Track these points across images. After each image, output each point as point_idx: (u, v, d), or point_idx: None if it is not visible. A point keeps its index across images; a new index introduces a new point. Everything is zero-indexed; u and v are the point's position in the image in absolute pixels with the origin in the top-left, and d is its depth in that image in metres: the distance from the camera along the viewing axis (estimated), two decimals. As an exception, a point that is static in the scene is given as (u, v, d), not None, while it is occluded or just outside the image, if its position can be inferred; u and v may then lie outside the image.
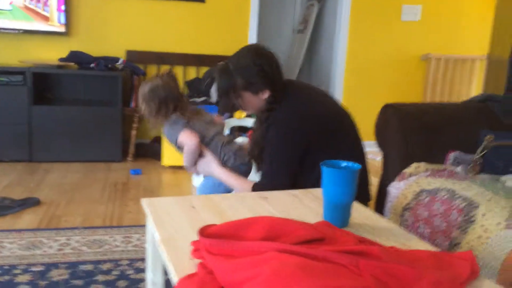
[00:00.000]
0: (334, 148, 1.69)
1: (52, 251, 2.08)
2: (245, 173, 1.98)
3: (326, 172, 1.15)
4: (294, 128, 1.66)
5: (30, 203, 2.64)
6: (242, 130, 3.93)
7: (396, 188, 1.85)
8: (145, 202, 1.35)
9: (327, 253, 0.81)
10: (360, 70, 4.45)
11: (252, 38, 4.24)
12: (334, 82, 4.49)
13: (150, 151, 3.90)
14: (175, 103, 1.91)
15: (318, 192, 1.51)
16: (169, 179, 3.36)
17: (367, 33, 4.40)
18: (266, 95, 1.70)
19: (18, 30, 3.67)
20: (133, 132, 3.73)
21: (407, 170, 1.90)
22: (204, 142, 1.92)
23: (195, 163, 1.91)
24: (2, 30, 3.64)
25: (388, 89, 4.53)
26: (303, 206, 1.37)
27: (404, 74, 4.55)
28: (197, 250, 0.97)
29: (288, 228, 0.92)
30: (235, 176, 1.79)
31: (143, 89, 1.92)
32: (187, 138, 1.87)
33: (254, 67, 1.67)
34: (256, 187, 1.68)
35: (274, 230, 0.91)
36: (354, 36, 4.38)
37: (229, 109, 1.78)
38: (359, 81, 4.47)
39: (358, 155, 1.75)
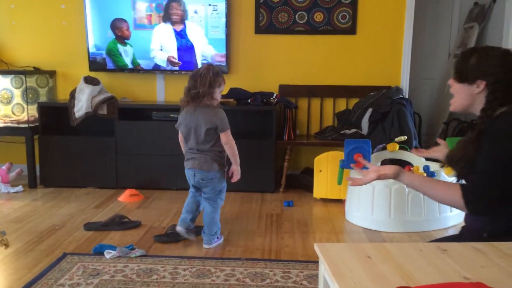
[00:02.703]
0: None
1: (219, 281, 2.21)
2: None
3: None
4: None
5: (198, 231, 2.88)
6: (395, 163, 3.78)
7: None
8: (318, 248, 1.36)
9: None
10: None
11: (405, 66, 4.10)
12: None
13: (300, 183, 3.97)
14: (187, 88, 2.54)
15: (503, 246, 1.36)
16: (321, 213, 3.36)
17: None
18: (480, 87, 1.54)
19: (187, 70, 4.09)
20: (286, 164, 3.84)
21: None
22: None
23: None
24: (175, 73, 4.10)
25: None
26: (492, 263, 1.25)
27: None
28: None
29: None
30: (433, 180, 1.62)
31: None
32: None
33: (496, 58, 1.53)
34: (466, 193, 1.50)
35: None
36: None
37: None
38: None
39: None
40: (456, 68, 1.60)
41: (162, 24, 3.98)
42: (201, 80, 2.52)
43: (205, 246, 2.66)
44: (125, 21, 3.67)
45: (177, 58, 3.98)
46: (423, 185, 1.59)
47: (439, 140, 1.94)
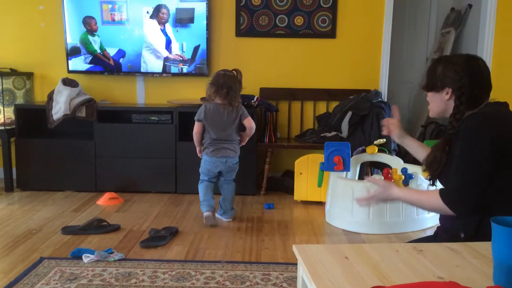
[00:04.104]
0: None
1: (199, 284, 2.20)
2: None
3: (499, 231, 1.05)
4: (485, 133, 1.52)
5: (174, 232, 2.88)
6: (374, 165, 3.83)
7: None
8: (297, 249, 1.36)
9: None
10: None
11: (384, 70, 4.15)
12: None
13: (281, 185, 3.98)
14: (226, 91, 3.07)
15: (478, 246, 1.39)
16: (301, 215, 3.38)
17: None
18: (449, 94, 1.62)
19: (167, 73, 4.08)
20: (266, 167, 3.85)
21: None
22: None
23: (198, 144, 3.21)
24: (155, 75, 4.09)
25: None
26: (466, 263, 1.27)
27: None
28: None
29: (464, 297, 0.85)
30: (416, 191, 1.71)
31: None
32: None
33: (455, 66, 1.61)
34: (446, 196, 1.55)
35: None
36: (500, 66, 4.04)
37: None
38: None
39: None
40: (426, 78, 1.69)
41: (151, 22, 4.08)
42: (235, 85, 3.12)
43: (229, 220, 3.20)
44: (93, 18, 4.11)
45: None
46: (407, 198, 1.67)
47: (393, 107, 2.05)
